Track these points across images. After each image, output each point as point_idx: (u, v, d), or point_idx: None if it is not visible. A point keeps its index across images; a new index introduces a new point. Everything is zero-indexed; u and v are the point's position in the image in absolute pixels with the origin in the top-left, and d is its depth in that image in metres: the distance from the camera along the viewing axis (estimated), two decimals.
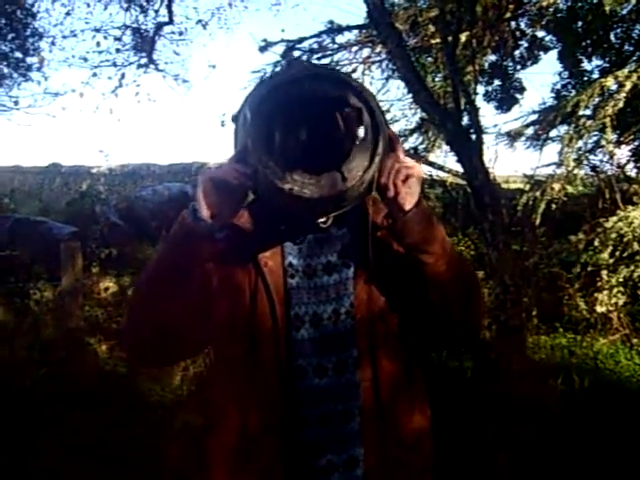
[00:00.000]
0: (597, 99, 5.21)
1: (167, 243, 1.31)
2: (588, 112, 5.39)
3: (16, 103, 9.39)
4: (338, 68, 7.61)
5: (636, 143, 6.05)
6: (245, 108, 1.27)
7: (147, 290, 1.35)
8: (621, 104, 4.89)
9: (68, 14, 8.68)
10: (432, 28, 7.02)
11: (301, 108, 1.26)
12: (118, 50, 8.99)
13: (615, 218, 5.18)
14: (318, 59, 7.47)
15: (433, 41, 7.06)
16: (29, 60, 9.08)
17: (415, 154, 8.64)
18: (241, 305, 1.33)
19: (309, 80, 1.26)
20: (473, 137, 4.72)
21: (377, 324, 1.34)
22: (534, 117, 6.50)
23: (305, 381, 1.32)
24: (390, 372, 1.35)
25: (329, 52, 7.53)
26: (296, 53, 7.32)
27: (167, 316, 1.29)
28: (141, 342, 1.37)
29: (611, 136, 5.14)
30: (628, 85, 4.85)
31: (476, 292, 1.46)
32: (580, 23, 6.37)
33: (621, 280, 5.15)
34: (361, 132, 1.28)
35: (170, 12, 8.86)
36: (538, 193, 5.47)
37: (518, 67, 7.84)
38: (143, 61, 9.17)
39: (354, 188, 1.23)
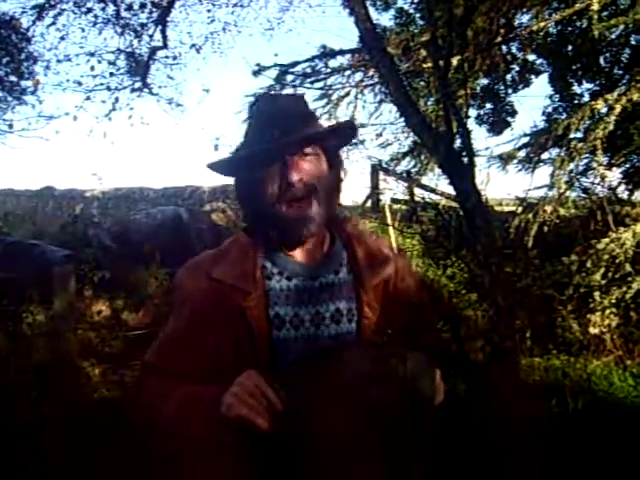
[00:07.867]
0: (588, 122, 5.27)
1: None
2: (579, 135, 5.45)
3: (10, 126, 9.40)
4: (330, 92, 7.68)
5: (627, 165, 6.10)
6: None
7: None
8: (611, 127, 4.94)
9: (63, 38, 8.71)
10: (424, 52, 7.10)
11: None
12: (112, 74, 9.06)
13: (607, 240, 5.21)
14: (311, 83, 7.53)
15: (425, 65, 7.13)
16: (24, 84, 9.11)
17: (408, 177, 8.69)
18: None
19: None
20: (465, 160, 4.73)
21: None
22: (526, 140, 6.57)
23: None
24: None
25: (322, 76, 7.60)
26: (289, 77, 7.38)
27: None
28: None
29: (602, 158, 5.19)
30: (618, 108, 4.91)
31: None
32: (570, 47, 6.46)
33: (614, 301, 5.16)
34: None
35: (164, 36, 8.95)
36: (530, 215, 5.51)
37: (509, 90, 7.93)
38: (137, 85, 9.24)
39: None
